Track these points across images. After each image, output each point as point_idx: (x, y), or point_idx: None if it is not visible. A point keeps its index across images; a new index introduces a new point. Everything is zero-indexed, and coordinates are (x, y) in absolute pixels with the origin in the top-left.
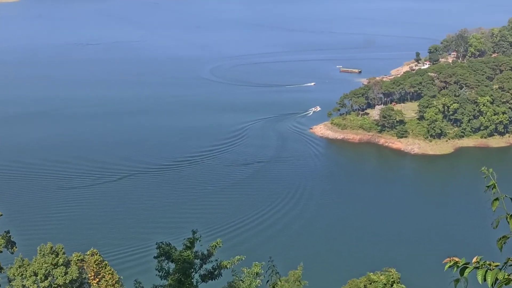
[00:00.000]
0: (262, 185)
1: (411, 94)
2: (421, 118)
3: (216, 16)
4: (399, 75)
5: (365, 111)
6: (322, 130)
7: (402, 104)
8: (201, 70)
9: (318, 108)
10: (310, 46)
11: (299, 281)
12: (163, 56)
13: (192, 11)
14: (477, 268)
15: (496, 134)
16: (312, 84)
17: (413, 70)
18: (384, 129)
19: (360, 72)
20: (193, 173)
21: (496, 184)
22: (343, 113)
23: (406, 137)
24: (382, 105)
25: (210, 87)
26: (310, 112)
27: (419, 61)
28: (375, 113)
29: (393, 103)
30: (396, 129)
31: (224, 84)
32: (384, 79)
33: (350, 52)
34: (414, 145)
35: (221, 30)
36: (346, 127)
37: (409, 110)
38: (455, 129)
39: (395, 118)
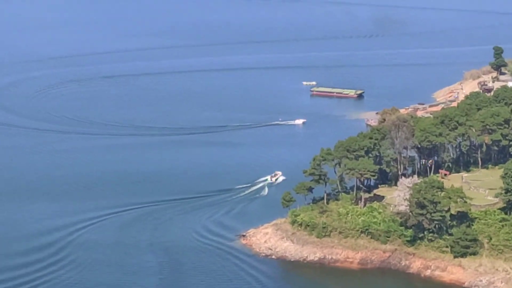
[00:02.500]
0: None
1: (485, 149)
2: (511, 207)
3: None
4: (453, 104)
5: (375, 191)
6: (269, 239)
7: (465, 175)
8: None
9: (279, 176)
10: (238, 35)
11: None
12: None
13: None
14: None
15: None
16: (301, 122)
17: (489, 90)
18: (421, 236)
19: (360, 95)
20: None
21: None
22: (321, 198)
23: (476, 254)
24: (416, 176)
25: None
26: (262, 185)
27: (503, 69)
28: (399, 196)
29: (443, 171)
30: (452, 235)
31: (25, 130)
32: (420, 114)
33: (337, 49)
34: (495, 274)
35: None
36: (328, 231)
37: (481, 188)
38: None
39: (448, 209)
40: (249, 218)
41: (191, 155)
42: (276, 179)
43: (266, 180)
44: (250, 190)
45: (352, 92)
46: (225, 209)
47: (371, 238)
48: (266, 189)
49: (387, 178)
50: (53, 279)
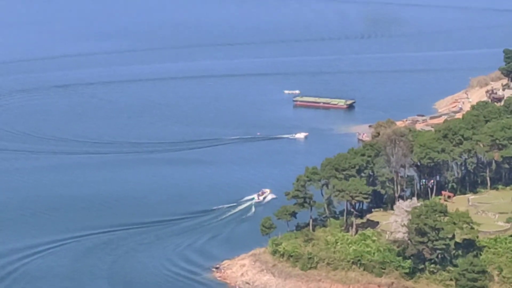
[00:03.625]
0: None
1: (494, 167)
2: None
3: None
4: (457, 113)
5: (369, 216)
6: (247, 271)
7: (471, 197)
8: None
9: (267, 194)
10: (213, 36)
11: None
12: None
13: None
14: None
15: None
16: (302, 136)
17: (498, 99)
18: (422, 267)
19: (350, 105)
20: None
21: None
22: (306, 225)
23: None
24: (415, 199)
25: None
26: (249, 205)
27: None
28: (395, 222)
29: (446, 193)
30: (457, 267)
31: None
32: (420, 126)
33: (323, 52)
34: None
35: None
36: (315, 263)
37: (490, 212)
38: None
39: (453, 237)
40: (228, 246)
41: (159, 174)
42: (264, 198)
43: (253, 199)
44: (233, 211)
45: (341, 102)
46: (199, 235)
47: (364, 270)
48: (253, 208)
49: (382, 201)
50: None
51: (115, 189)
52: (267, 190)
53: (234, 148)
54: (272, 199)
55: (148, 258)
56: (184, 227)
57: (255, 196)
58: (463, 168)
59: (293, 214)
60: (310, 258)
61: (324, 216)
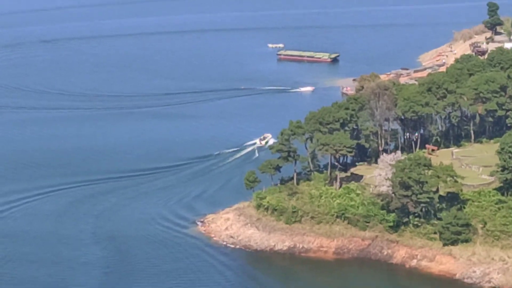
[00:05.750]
0: None
1: (478, 120)
2: (508, 187)
3: None
4: (442, 68)
5: (353, 170)
6: (231, 225)
7: (455, 150)
8: None
9: (268, 138)
10: None
11: None
12: None
13: None
14: None
15: None
16: (310, 89)
17: (482, 52)
18: (406, 221)
19: (334, 59)
20: None
21: None
22: (290, 178)
23: (468, 241)
24: (400, 152)
25: None
26: (252, 149)
27: (498, 29)
28: (379, 176)
29: (430, 146)
30: (441, 220)
31: None
32: (404, 80)
33: (307, 6)
34: (490, 264)
35: None
36: (299, 216)
37: (474, 165)
38: None
39: (436, 190)
40: (215, 197)
41: (152, 127)
42: (266, 142)
43: (255, 143)
44: (237, 155)
45: (325, 56)
46: (204, 182)
47: (348, 223)
48: (257, 153)
49: (366, 155)
50: None
51: (102, 142)
52: (269, 135)
53: (216, 103)
54: (274, 143)
55: (135, 210)
56: (190, 172)
57: (257, 140)
58: (447, 121)
59: (277, 168)
60: (294, 212)
61: (308, 170)
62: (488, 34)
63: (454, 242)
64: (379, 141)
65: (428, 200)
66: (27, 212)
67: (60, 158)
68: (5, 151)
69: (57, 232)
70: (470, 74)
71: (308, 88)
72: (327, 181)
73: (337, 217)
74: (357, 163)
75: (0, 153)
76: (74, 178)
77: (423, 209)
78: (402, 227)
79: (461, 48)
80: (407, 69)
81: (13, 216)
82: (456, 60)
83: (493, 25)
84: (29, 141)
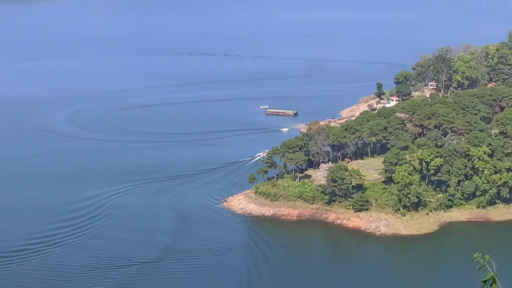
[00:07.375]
0: None
1: (372, 145)
2: (388, 181)
3: (73, 34)
4: (353, 118)
5: (306, 172)
6: (241, 203)
7: (360, 161)
8: (50, 117)
9: (267, 153)
10: (219, 77)
11: None
12: None
13: (35, 26)
14: None
15: (499, 201)
16: (286, 129)
17: (374, 109)
18: (334, 199)
19: (296, 114)
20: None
21: (496, 278)
22: (272, 177)
23: (367, 209)
24: (331, 163)
25: (66, 144)
26: (258, 158)
27: (382, 96)
28: (320, 175)
29: (347, 159)
30: (353, 198)
31: (93, 140)
32: (333, 124)
33: (282, 85)
34: (379, 221)
35: (82, 53)
36: (277, 197)
37: (370, 169)
38: (439, 195)
39: (350, 183)
40: (229, 189)
41: (198, 151)
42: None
43: (260, 155)
44: (252, 161)
45: (291, 112)
46: (226, 179)
47: (303, 201)
48: (261, 160)
49: (313, 164)
50: (99, 225)
51: (169, 159)
52: (267, 151)
53: (232, 137)
54: (263, 157)
55: (191, 195)
56: (220, 173)
57: (261, 154)
58: (356, 146)
59: (266, 172)
60: (275, 195)
61: (282, 172)
62: (377, 99)
63: (360, 210)
64: (320, 157)
65: (346, 188)
66: (134, 193)
67: (147, 168)
68: (127, 165)
69: (150, 207)
70: (368, 121)
71: (285, 129)
72: (292, 179)
73: (297, 197)
74: (308, 169)
75: (123, 165)
76: (155, 177)
77: (343, 193)
78: (332, 203)
79: (363, 107)
80: (334, 118)
81: (124, 196)
82: (360, 113)
83: (380, 95)
84: (132, 159)
